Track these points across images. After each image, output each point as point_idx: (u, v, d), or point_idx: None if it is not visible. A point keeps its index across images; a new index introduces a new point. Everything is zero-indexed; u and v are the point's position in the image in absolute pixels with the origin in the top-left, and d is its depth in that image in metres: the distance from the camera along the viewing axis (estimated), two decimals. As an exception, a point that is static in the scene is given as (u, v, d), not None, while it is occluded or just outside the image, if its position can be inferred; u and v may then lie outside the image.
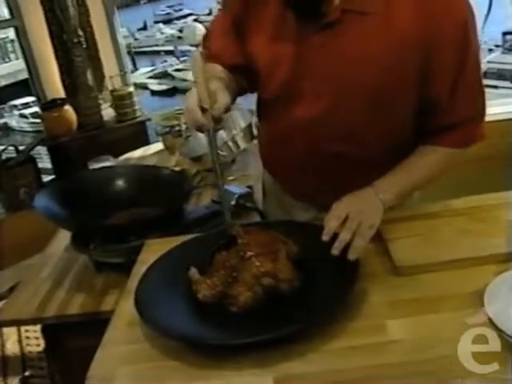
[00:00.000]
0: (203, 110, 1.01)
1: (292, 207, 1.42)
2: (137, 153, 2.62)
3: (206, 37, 1.33)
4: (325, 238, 1.04)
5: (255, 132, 2.19)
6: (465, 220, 1.14)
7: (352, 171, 1.23)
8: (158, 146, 2.57)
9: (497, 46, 14.62)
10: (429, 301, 0.95)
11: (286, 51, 1.18)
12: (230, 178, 2.03)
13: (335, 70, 1.15)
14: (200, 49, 1.32)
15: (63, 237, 1.70)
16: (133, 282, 1.11)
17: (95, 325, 1.20)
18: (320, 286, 0.99)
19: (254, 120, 2.23)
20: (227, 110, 1.05)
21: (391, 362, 0.84)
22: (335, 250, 1.02)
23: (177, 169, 2.03)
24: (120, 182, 1.67)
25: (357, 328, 0.91)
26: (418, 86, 1.14)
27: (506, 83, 12.67)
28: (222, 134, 2.06)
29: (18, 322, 1.63)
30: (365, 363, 0.84)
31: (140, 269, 1.15)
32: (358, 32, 1.11)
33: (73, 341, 1.44)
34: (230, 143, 2.08)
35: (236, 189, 1.73)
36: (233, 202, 1.63)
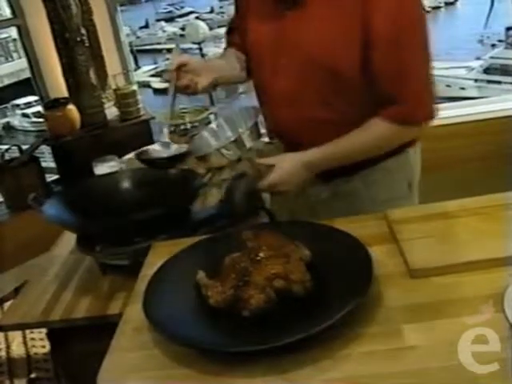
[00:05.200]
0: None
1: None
2: (141, 152, 2.59)
3: (229, 30, 1.65)
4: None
5: (262, 130, 2.16)
6: (480, 220, 1.12)
7: (335, 134, 1.34)
8: (163, 145, 2.54)
9: (500, 41, 14.57)
10: (445, 304, 0.92)
11: (268, 33, 1.39)
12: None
13: (301, 44, 1.32)
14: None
15: (68, 238, 1.68)
16: (140, 285, 1.09)
17: (101, 328, 1.18)
18: (333, 289, 0.96)
19: (261, 118, 2.21)
20: (182, 65, 1.44)
21: (408, 369, 0.81)
22: None
23: (184, 168, 2.00)
24: (128, 187, 1.66)
25: (372, 333, 0.89)
26: (362, 59, 1.27)
27: (509, 79, 12.62)
28: (227, 132, 2.03)
29: (23, 326, 1.60)
30: (381, 370, 0.82)
31: (147, 272, 1.13)
32: (318, 9, 1.28)
33: (79, 345, 1.42)
34: (237, 142, 2.05)
35: (243, 188, 1.70)
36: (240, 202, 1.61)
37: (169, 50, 20.36)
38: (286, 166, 1.35)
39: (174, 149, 2.20)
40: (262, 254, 0.97)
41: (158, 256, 1.20)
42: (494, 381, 0.75)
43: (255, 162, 1.39)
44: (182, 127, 2.31)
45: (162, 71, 18.76)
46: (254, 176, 1.40)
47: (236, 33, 1.60)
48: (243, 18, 1.50)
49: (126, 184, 1.66)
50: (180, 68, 1.45)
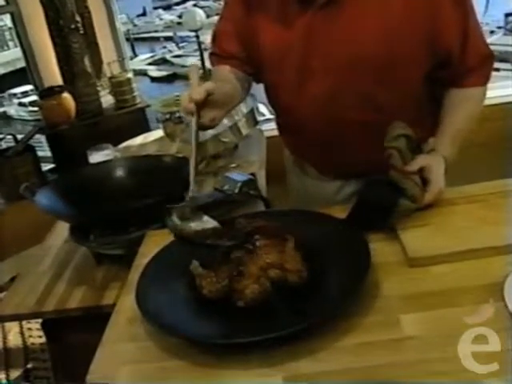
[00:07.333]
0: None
1: (315, 184, 1.53)
2: (137, 140, 2.58)
3: (215, 39, 1.42)
4: None
5: (258, 117, 2.14)
6: (481, 207, 1.10)
7: (371, 137, 1.19)
8: (159, 132, 2.52)
9: (499, 27, 14.48)
10: (444, 294, 0.91)
11: (294, 35, 1.26)
12: (233, 165, 1.99)
13: (340, 44, 1.23)
14: (211, 49, 1.42)
15: (63, 228, 1.66)
16: (134, 275, 1.07)
17: (96, 319, 1.17)
18: (330, 279, 0.94)
19: (256, 105, 2.18)
20: (208, 94, 1.03)
21: (406, 360, 0.79)
22: None
23: (179, 155, 1.97)
24: (122, 176, 1.63)
25: (369, 323, 0.87)
26: (426, 47, 1.23)
27: (508, 65, 12.56)
28: (224, 119, 2.01)
29: (17, 317, 1.58)
30: (378, 361, 0.80)
31: (141, 262, 1.11)
32: (357, 5, 1.20)
33: (74, 335, 1.41)
34: (233, 129, 2.03)
35: (239, 176, 1.67)
36: (236, 190, 1.58)
37: (166, 39, 20.29)
38: (439, 166, 1.19)
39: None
40: (257, 243, 0.95)
41: (151, 245, 1.18)
42: (494, 380, 0.74)
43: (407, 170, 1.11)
44: (178, 115, 2.28)
45: (161, 59, 18.69)
46: (414, 191, 1.09)
47: (232, 40, 1.37)
48: (249, 22, 1.33)
49: (119, 172, 1.63)
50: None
